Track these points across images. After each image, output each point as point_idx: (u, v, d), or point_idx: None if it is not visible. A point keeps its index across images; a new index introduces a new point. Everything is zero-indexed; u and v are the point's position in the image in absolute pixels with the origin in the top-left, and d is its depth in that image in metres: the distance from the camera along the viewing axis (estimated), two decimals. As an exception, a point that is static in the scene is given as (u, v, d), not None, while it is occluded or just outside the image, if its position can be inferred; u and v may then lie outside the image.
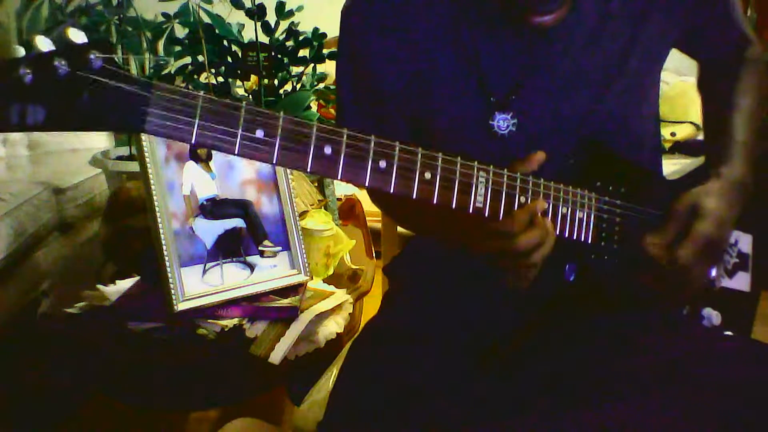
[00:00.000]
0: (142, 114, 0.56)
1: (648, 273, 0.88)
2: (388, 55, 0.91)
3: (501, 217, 0.76)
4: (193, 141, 0.58)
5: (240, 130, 0.60)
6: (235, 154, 0.60)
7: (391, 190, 0.68)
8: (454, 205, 0.73)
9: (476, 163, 0.74)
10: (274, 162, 0.62)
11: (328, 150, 0.64)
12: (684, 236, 0.86)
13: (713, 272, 0.99)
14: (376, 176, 0.67)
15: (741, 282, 1.04)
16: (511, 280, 0.81)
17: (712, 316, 0.98)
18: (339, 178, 0.65)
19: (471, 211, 0.74)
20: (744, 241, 1.04)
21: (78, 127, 0.55)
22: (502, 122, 0.90)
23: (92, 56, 0.54)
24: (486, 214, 0.75)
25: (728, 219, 0.89)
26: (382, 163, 0.67)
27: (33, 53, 0.52)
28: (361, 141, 0.66)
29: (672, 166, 1.05)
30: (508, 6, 0.86)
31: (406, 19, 0.90)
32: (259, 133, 0.61)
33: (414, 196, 0.70)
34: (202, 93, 0.59)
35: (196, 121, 0.58)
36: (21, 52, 0.52)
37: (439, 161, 0.71)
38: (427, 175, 0.70)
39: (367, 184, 0.67)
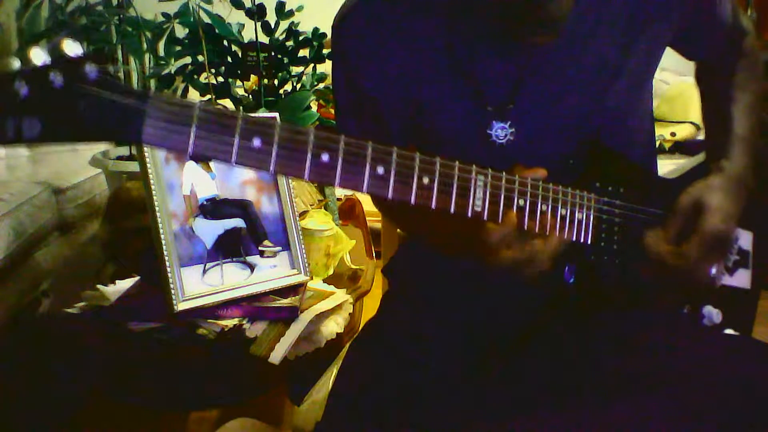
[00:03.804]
0: (139, 125, 0.56)
1: (650, 271, 0.88)
2: (381, 68, 0.91)
3: (500, 220, 0.76)
4: (189, 151, 0.58)
5: (236, 140, 0.59)
6: (231, 164, 0.60)
7: (389, 196, 0.68)
8: (452, 210, 0.72)
9: (474, 166, 0.74)
10: (272, 170, 0.61)
11: (325, 157, 0.64)
12: (692, 232, 0.86)
13: (714, 270, 0.99)
14: (374, 182, 0.67)
15: (742, 279, 1.04)
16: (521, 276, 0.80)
17: (713, 314, 0.98)
18: (337, 184, 0.65)
19: (470, 215, 0.74)
20: (744, 238, 1.04)
21: (75, 139, 0.54)
22: (500, 131, 0.89)
23: (87, 68, 0.54)
24: (485, 218, 0.75)
25: (733, 213, 0.89)
26: (380, 169, 0.67)
27: (28, 67, 0.52)
28: (359, 147, 0.66)
29: (670, 166, 1.05)
30: (504, 28, 0.86)
31: (399, 29, 0.89)
32: (256, 142, 0.60)
33: (412, 202, 0.69)
34: (198, 103, 0.59)
35: (193, 131, 0.58)
36: (16, 65, 0.52)
37: (437, 166, 0.71)
38: (425, 180, 0.70)
39: (365, 190, 0.67)
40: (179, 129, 0.57)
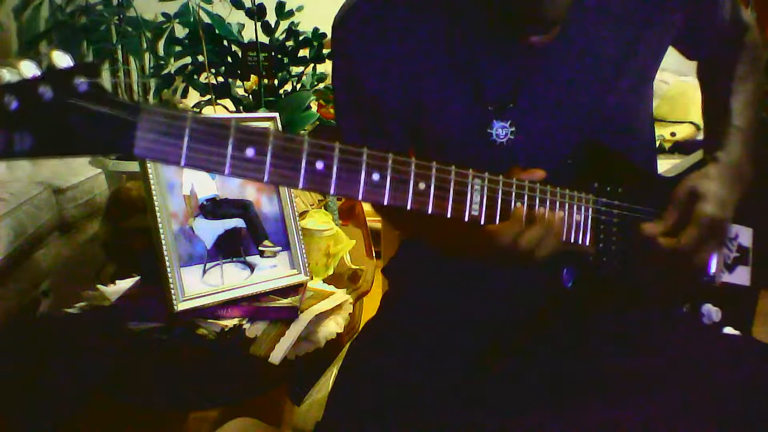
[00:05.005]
0: (130, 138, 0.55)
1: (649, 265, 0.88)
2: (381, 68, 0.91)
3: (497, 223, 0.76)
4: (182, 164, 0.57)
5: (229, 151, 0.59)
6: (225, 175, 0.59)
7: (385, 202, 0.67)
8: (449, 215, 0.72)
9: (471, 171, 0.73)
10: (266, 181, 0.61)
11: (320, 165, 0.63)
12: (687, 220, 0.86)
13: (713, 268, 0.99)
14: (369, 189, 0.66)
15: (741, 276, 1.04)
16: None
17: (712, 312, 0.98)
18: (332, 193, 0.65)
19: (467, 219, 0.74)
20: (744, 235, 1.04)
21: (66, 153, 0.54)
22: (501, 131, 0.89)
23: (77, 80, 0.53)
24: (482, 222, 0.75)
25: (729, 200, 0.89)
26: (376, 176, 0.66)
27: (17, 79, 0.51)
28: (354, 154, 0.65)
29: (670, 166, 1.06)
30: (500, 27, 0.86)
31: (400, 28, 0.89)
32: (250, 153, 0.60)
33: (408, 207, 0.69)
34: (190, 114, 0.58)
35: (185, 143, 0.57)
36: (6, 77, 0.51)
37: (433, 171, 0.70)
38: (421, 186, 0.69)
39: (360, 198, 0.66)
40: (171, 142, 0.57)
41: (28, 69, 0.52)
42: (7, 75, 0.52)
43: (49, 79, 0.52)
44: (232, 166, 0.59)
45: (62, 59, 0.53)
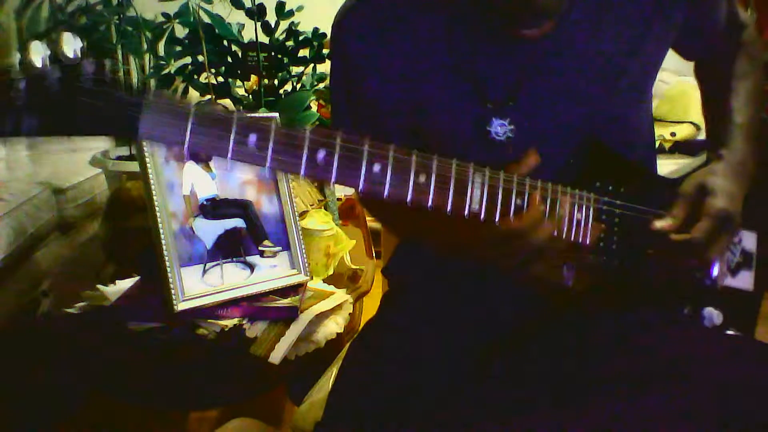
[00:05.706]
0: (134, 120, 0.57)
1: (657, 265, 0.88)
2: (381, 68, 0.91)
3: (497, 220, 0.76)
4: (186, 145, 0.58)
5: (233, 135, 0.60)
6: (228, 159, 0.60)
7: (385, 194, 0.67)
8: (449, 209, 0.72)
9: (471, 165, 0.73)
10: (268, 166, 0.62)
11: (321, 154, 0.64)
12: (698, 215, 0.86)
13: (716, 272, 0.99)
14: (370, 180, 0.67)
15: (744, 281, 1.04)
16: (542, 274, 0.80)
17: (713, 315, 0.98)
18: (333, 181, 0.65)
19: (467, 214, 0.74)
20: (748, 239, 1.04)
21: (71, 133, 0.55)
22: (500, 128, 0.89)
23: (85, 62, 0.55)
24: (482, 218, 0.75)
25: (737, 195, 0.90)
26: (376, 167, 0.67)
27: (26, 60, 0.53)
28: (355, 144, 0.66)
29: (671, 166, 1.05)
30: (494, 21, 0.87)
31: (399, 29, 0.89)
32: (252, 138, 0.61)
33: (408, 200, 0.69)
34: (194, 102, 0.59)
35: (189, 126, 0.58)
36: (15, 58, 0.52)
37: (434, 164, 0.70)
38: (422, 178, 0.69)
39: (361, 188, 0.66)
40: (176, 123, 0.58)
41: (37, 50, 0.53)
42: (17, 56, 0.53)
43: (58, 60, 0.54)
44: (235, 151, 0.60)
45: (71, 42, 0.55)
